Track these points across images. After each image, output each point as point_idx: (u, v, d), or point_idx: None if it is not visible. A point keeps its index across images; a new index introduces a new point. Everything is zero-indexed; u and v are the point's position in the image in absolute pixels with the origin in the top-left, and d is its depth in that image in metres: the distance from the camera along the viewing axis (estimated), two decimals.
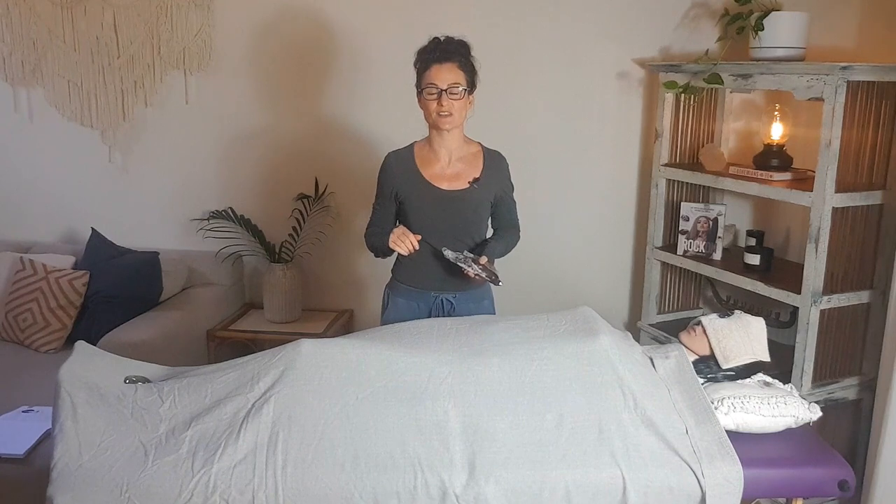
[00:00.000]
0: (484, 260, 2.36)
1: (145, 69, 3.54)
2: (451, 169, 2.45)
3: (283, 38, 3.46)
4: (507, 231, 2.57)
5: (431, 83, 2.34)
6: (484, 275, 2.32)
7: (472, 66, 2.41)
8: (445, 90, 2.33)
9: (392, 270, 2.59)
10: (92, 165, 3.67)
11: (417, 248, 2.36)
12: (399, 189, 2.46)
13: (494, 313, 2.59)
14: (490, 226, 2.58)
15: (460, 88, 2.35)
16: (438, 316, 2.47)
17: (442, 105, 2.34)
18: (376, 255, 2.54)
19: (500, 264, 2.48)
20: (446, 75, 2.34)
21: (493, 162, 2.50)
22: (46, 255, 3.41)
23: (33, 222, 3.75)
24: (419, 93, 2.40)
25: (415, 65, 2.41)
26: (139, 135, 3.63)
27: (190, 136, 3.60)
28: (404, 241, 2.35)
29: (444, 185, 2.43)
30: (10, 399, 2.59)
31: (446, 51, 2.36)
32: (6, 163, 3.73)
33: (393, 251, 2.41)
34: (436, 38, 2.39)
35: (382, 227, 2.50)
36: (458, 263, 2.34)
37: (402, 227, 2.41)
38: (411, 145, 2.51)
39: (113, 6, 3.48)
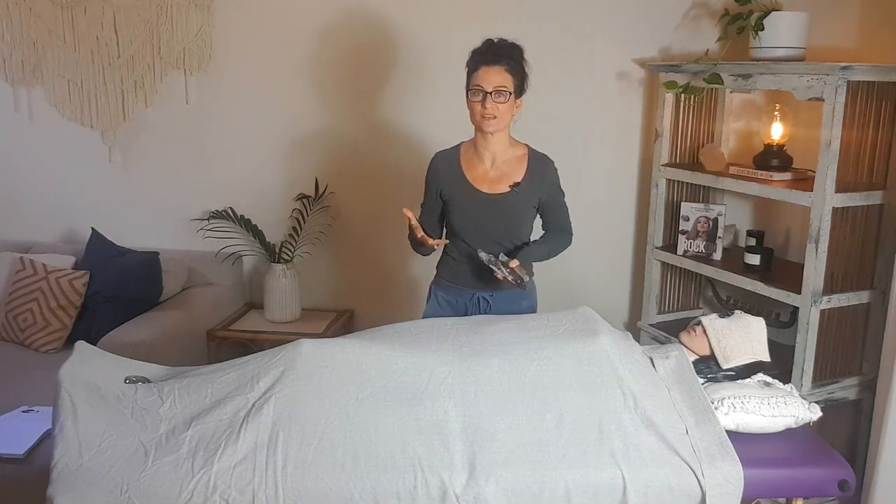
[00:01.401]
0: (514, 263, 2.36)
1: (145, 69, 3.54)
2: (494, 172, 2.45)
3: (283, 38, 3.46)
4: (555, 234, 2.56)
5: (478, 85, 2.34)
6: (511, 278, 2.33)
7: (522, 70, 2.38)
8: (490, 93, 2.32)
9: (436, 267, 2.61)
10: (92, 165, 3.67)
11: (431, 244, 2.40)
12: (443, 189, 2.47)
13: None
14: (542, 228, 2.58)
15: (506, 92, 2.33)
16: (475, 313, 2.49)
17: (486, 107, 2.33)
18: (419, 253, 2.57)
19: None
20: (493, 78, 2.33)
21: (538, 166, 2.48)
22: (46, 255, 3.41)
23: (33, 222, 3.75)
24: (467, 93, 2.40)
25: (466, 65, 2.40)
26: (139, 135, 3.63)
27: (190, 136, 3.60)
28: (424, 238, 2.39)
29: (485, 188, 2.43)
30: (10, 399, 2.58)
31: (497, 53, 2.35)
32: (6, 163, 3.73)
33: (433, 249, 2.46)
34: (489, 40, 2.38)
35: (427, 226, 2.50)
36: (489, 266, 2.35)
37: (422, 234, 2.43)
38: (458, 146, 2.52)
39: (113, 6, 3.48)
